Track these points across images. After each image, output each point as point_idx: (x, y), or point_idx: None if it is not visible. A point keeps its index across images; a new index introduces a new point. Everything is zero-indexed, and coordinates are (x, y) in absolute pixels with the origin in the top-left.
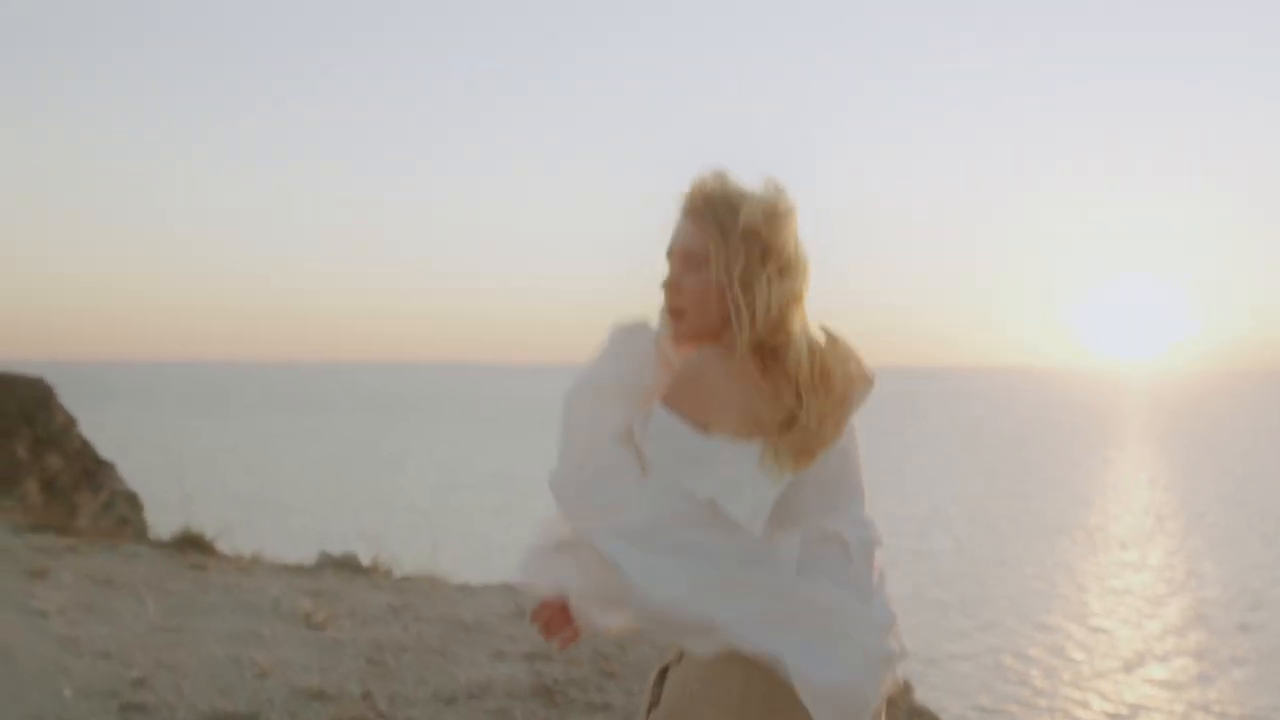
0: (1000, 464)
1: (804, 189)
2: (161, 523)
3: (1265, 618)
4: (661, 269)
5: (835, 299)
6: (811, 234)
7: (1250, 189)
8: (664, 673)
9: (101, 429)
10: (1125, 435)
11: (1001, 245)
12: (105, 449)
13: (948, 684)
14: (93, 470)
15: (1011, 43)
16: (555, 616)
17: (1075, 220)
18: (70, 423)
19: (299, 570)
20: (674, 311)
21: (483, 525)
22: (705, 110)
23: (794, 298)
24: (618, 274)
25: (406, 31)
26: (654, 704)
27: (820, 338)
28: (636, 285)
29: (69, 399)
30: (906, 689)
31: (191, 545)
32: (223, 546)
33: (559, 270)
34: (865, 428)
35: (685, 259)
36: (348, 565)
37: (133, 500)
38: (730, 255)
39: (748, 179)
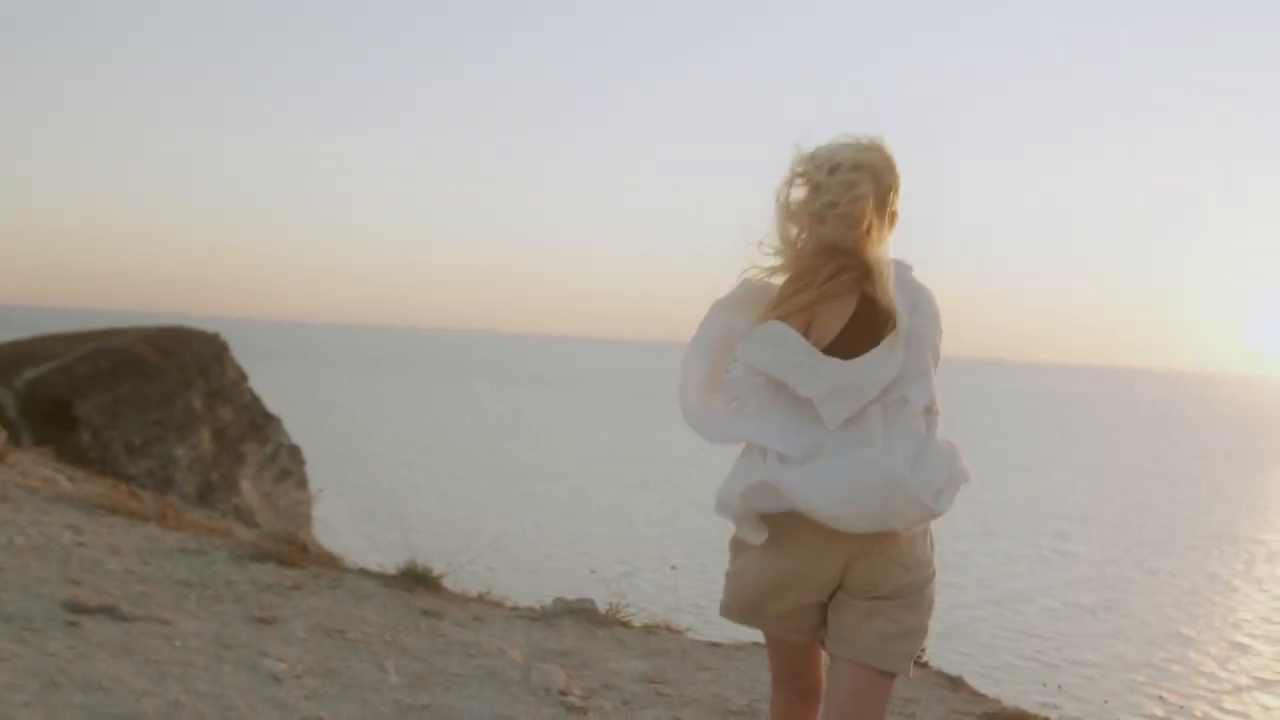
0: (1164, 469)
1: (976, 186)
2: (319, 476)
3: None
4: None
5: (1013, 298)
6: (987, 235)
7: None
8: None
9: (269, 385)
10: None
11: (1185, 247)
12: (272, 404)
13: (1075, 688)
14: (260, 424)
15: (1195, 41)
16: None
17: (1262, 222)
18: (241, 377)
19: (534, 618)
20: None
21: (633, 499)
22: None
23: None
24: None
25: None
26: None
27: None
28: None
29: (240, 355)
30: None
31: (418, 582)
32: (449, 583)
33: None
34: (1039, 422)
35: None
36: (584, 613)
37: (294, 453)
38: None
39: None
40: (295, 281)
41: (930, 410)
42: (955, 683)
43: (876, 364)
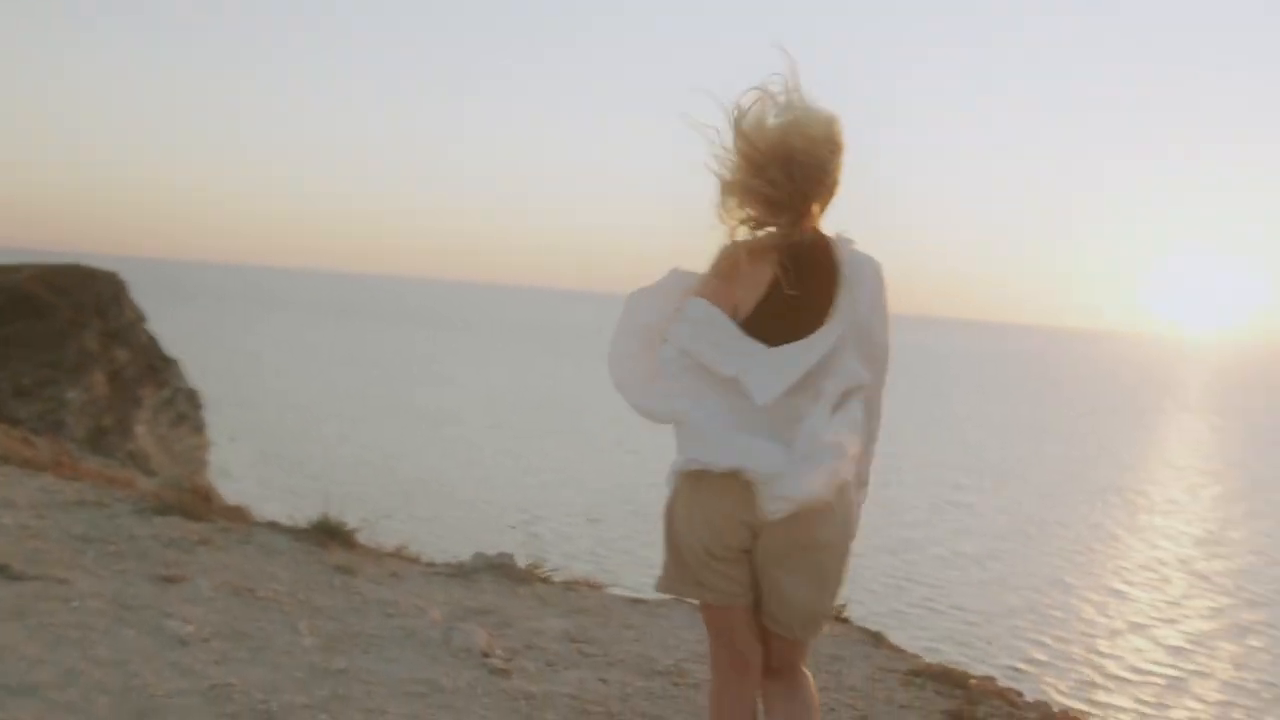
0: (1057, 424)
1: (872, 140)
2: (221, 421)
3: None
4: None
5: (905, 257)
6: (888, 185)
7: None
8: None
9: (168, 326)
10: (1184, 404)
11: (1078, 207)
12: (173, 347)
13: (960, 634)
14: (158, 366)
15: (1100, 9)
16: None
17: (1154, 188)
18: (139, 318)
19: (453, 575)
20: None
21: (541, 446)
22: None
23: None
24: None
25: None
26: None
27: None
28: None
29: (141, 297)
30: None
31: (331, 537)
32: (364, 538)
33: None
34: (925, 378)
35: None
36: (504, 569)
37: (192, 397)
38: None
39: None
40: (201, 221)
41: (848, 395)
42: (876, 638)
43: (802, 350)
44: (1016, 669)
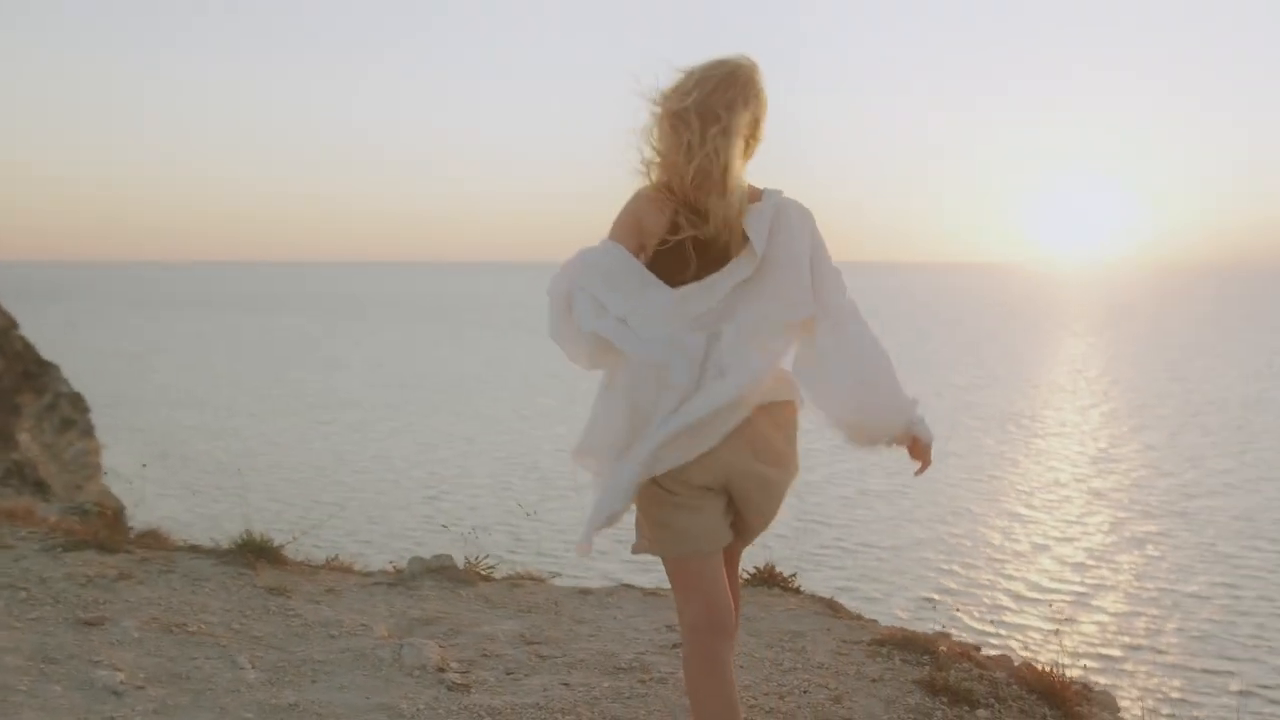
0: (950, 356)
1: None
2: (104, 425)
3: (1194, 504)
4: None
5: (797, 194)
6: (776, 129)
7: (1210, 99)
8: None
9: (42, 330)
10: (1072, 329)
11: (961, 145)
12: (47, 350)
13: (873, 569)
14: (35, 372)
15: None
16: None
17: (1034, 123)
18: (11, 324)
19: (392, 584)
20: (649, 165)
21: (429, 422)
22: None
23: (722, 130)
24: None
25: None
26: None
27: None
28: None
29: (8, 301)
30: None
31: (258, 555)
32: (292, 552)
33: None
34: None
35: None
36: (444, 572)
37: (77, 401)
38: (668, 110)
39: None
40: (66, 220)
41: (772, 332)
42: (833, 607)
43: (699, 290)
44: (929, 599)
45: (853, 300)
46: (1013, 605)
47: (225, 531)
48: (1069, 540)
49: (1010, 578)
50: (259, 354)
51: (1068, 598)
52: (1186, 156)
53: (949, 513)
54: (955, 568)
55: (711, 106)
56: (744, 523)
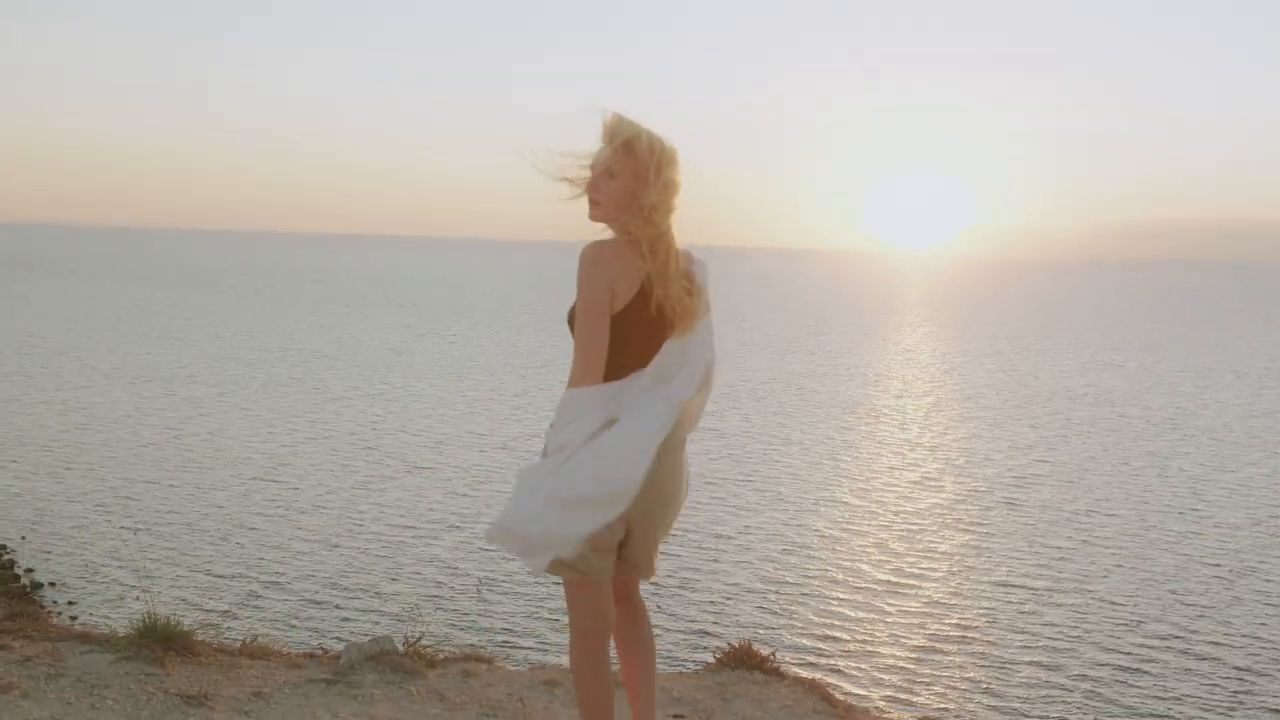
0: (790, 344)
1: (611, 76)
2: None
3: (1027, 495)
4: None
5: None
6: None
7: (1040, 93)
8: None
9: None
10: (908, 320)
11: (802, 134)
12: None
13: (726, 556)
14: None
15: None
16: None
17: (869, 112)
18: None
19: (330, 681)
20: (592, 203)
21: (276, 398)
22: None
23: (668, 208)
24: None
25: None
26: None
27: (679, 249)
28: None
29: None
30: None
31: (165, 646)
32: (202, 633)
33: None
34: None
35: (605, 172)
36: (385, 660)
37: None
38: (635, 172)
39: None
40: None
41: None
42: (828, 699)
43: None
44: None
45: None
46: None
47: (97, 572)
48: (893, 532)
49: (872, 563)
50: (87, 321)
51: (919, 595)
52: (1024, 153)
53: (804, 502)
54: (802, 557)
55: (674, 180)
56: (633, 552)
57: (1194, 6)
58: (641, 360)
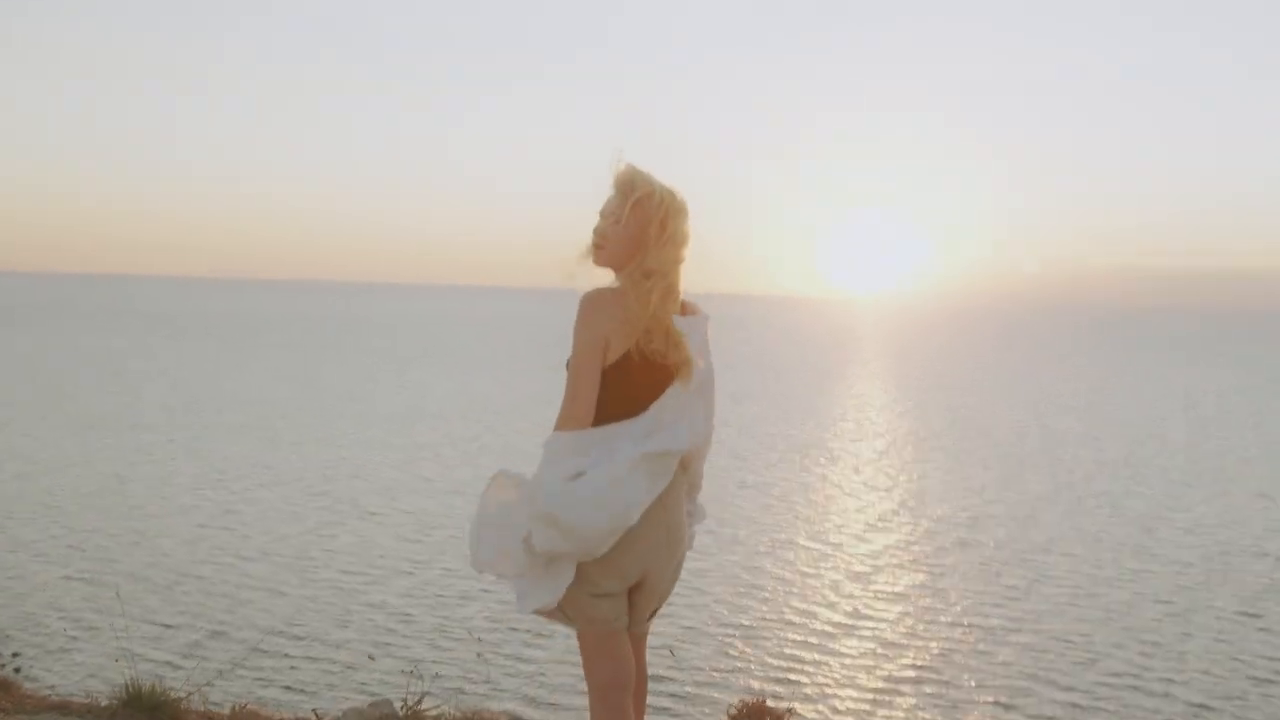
0: (745, 387)
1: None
2: None
3: (981, 535)
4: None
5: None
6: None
7: (995, 135)
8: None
9: None
10: (864, 362)
11: (762, 181)
12: None
13: (683, 597)
14: None
15: None
16: None
17: (826, 159)
18: None
19: None
20: (596, 247)
21: (225, 446)
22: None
23: (674, 260)
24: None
25: None
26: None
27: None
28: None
29: None
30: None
31: (149, 714)
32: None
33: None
34: None
35: (613, 219)
36: None
37: None
38: (641, 225)
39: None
40: None
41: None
42: None
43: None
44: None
45: None
46: (841, 621)
47: (45, 626)
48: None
49: (824, 605)
50: (33, 371)
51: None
52: (976, 197)
53: (761, 543)
54: (765, 599)
55: (681, 231)
56: (643, 603)
57: (1150, 56)
58: (632, 409)
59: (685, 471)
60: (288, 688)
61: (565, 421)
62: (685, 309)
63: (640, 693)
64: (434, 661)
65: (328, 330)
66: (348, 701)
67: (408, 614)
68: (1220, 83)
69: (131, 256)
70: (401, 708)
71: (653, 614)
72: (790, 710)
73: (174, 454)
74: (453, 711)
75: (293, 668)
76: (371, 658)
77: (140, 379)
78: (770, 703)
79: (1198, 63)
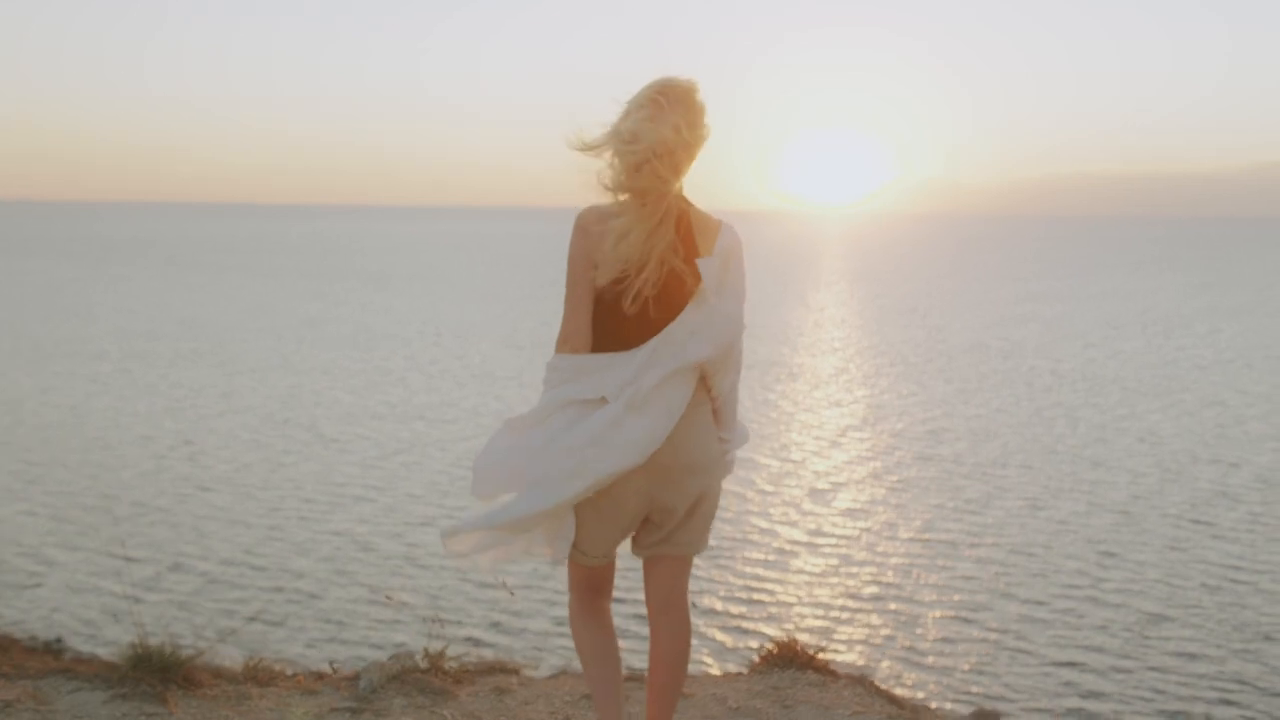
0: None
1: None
2: None
3: (940, 449)
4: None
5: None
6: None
7: (944, 42)
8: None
9: None
10: (823, 277)
11: (722, 95)
12: None
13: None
14: None
15: None
16: None
17: (780, 73)
18: None
19: (355, 710)
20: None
21: (188, 375)
22: None
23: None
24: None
25: None
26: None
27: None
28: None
29: None
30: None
31: (162, 677)
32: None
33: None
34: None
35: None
36: (409, 679)
37: None
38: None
39: None
40: None
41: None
42: (896, 701)
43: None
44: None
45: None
46: (792, 548)
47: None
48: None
49: (781, 522)
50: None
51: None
52: (938, 109)
53: None
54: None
55: (689, 139)
56: (669, 533)
57: None
58: (641, 335)
59: (708, 387)
60: (271, 634)
61: (559, 342)
62: (709, 226)
63: (674, 655)
64: (451, 611)
65: (288, 254)
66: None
67: (422, 564)
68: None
69: (83, 182)
70: (423, 658)
71: (669, 536)
72: (821, 648)
73: (130, 383)
74: (475, 662)
75: (279, 609)
76: (389, 598)
77: (94, 307)
78: (801, 644)
79: None
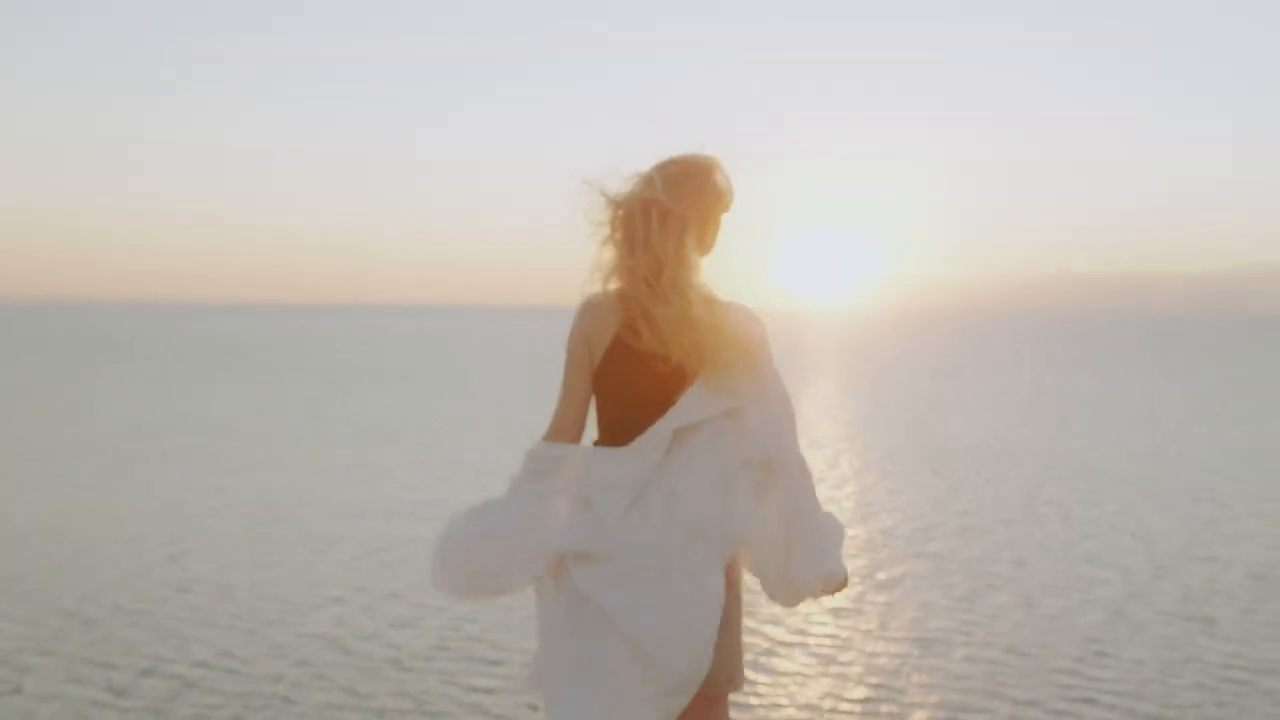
0: None
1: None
2: None
3: (935, 546)
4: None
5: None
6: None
7: (945, 145)
8: None
9: None
10: (815, 372)
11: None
12: None
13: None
14: None
15: None
16: None
17: (779, 171)
18: None
19: None
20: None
21: (176, 473)
22: None
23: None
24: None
25: None
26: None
27: None
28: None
29: None
30: None
31: None
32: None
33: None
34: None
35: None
36: None
37: None
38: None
39: None
40: None
41: None
42: None
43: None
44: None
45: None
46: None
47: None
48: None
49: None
50: None
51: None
52: (928, 206)
53: None
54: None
55: (666, 202)
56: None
57: (1099, 64)
58: (639, 426)
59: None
60: None
61: (548, 430)
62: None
63: None
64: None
65: (283, 351)
66: None
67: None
68: (1147, 100)
69: (76, 281)
70: None
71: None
72: None
73: (118, 482)
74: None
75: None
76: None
77: (82, 405)
78: None
79: (1124, 76)
